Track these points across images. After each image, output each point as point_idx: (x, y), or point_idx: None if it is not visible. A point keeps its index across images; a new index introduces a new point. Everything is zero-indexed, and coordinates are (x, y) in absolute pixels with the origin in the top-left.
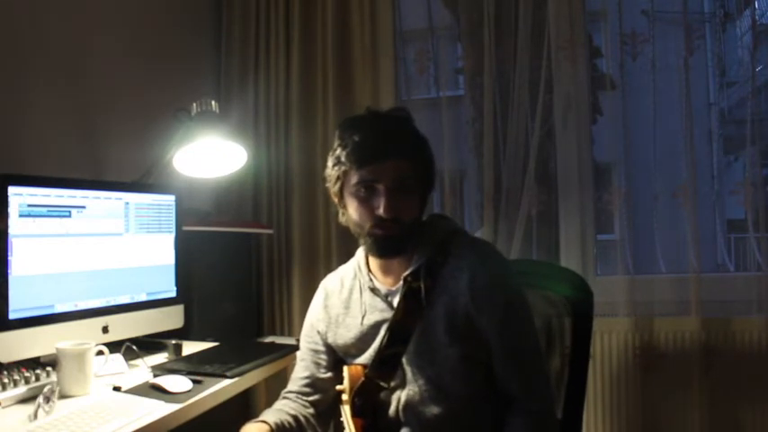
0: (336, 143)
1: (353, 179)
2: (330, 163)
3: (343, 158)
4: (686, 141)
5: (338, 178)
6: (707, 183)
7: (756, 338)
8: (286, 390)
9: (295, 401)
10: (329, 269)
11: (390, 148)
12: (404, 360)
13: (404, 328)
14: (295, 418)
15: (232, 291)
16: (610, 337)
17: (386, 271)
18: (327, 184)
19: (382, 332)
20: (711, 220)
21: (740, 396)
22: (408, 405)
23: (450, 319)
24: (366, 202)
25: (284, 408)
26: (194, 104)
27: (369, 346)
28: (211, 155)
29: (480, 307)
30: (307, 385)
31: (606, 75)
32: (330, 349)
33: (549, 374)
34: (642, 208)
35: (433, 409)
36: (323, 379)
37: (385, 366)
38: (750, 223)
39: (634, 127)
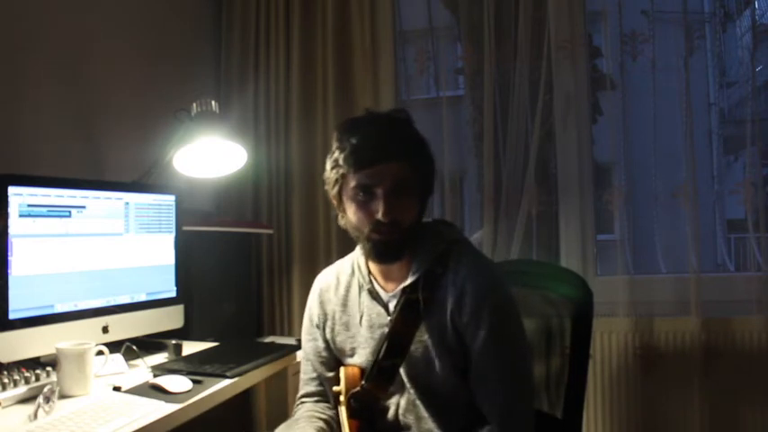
0: (334, 146)
1: (351, 183)
2: (328, 166)
3: (341, 161)
4: (686, 141)
5: (336, 181)
6: (707, 183)
7: (756, 338)
8: (300, 394)
9: (315, 404)
10: None
11: (388, 151)
12: (401, 368)
13: (401, 340)
14: (327, 422)
15: (232, 291)
16: (610, 337)
17: (386, 275)
18: (326, 187)
19: (377, 336)
20: (711, 220)
21: (740, 396)
22: (407, 410)
23: (442, 333)
24: (364, 205)
25: (313, 414)
26: (194, 104)
27: (363, 348)
28: (211, 155)
29: (465, 325)
30: (320, 384)
31: (606, 75)
32: (329, 345)
33: (528, 403)
34: (642, 208)
35: (429, 414)
36: (328, 378)
37: (382, 377)
38: (750, 223)
39: (634, 127)
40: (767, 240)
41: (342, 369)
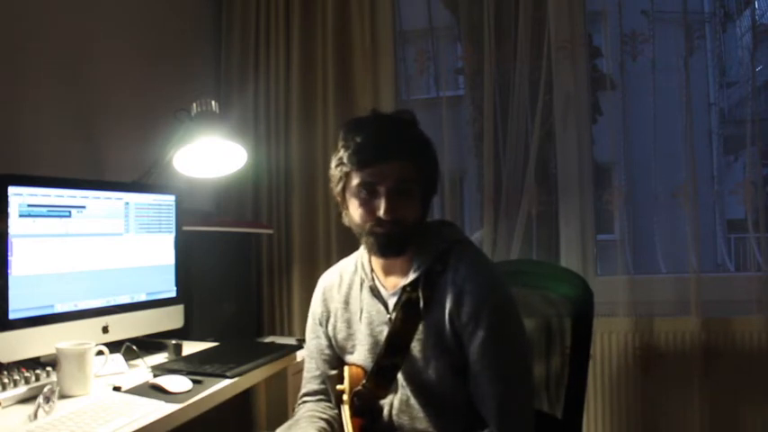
0: (340, 144)
1: (355, 180)
2: (333, 164)
3: (345, 159)
4: (686, 141)
5: (340, 179)
6: (707, 183)
7: (756, 338)
8: (302, 392)
9: (317, 404)
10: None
11: (391, 150)
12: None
13: (401, 340)
14: (329, 422)
15: (232, 291)
16: (610, 337)
17: (387, 273)
18: (331, 185)
19: (376, 334)
20: (711, 220)
21: (740, 396)
22: (401, 410)
23: (439, 332)
24: (367, 203)
25: (314, 414)
26: (194, 104)
27: (362, 345)
28: (211, 155)
29: (464, 325)
30: (323, 382)
31: (606, 75)
32: (331, 343)
33: (528, 403)
34: (642, 208)
35: (425, 415)
36: (331, 376)
37: (382, 377)
38: (750, 223)
39: (634, 127)
40: (767, 240)
41: (346, 368)
